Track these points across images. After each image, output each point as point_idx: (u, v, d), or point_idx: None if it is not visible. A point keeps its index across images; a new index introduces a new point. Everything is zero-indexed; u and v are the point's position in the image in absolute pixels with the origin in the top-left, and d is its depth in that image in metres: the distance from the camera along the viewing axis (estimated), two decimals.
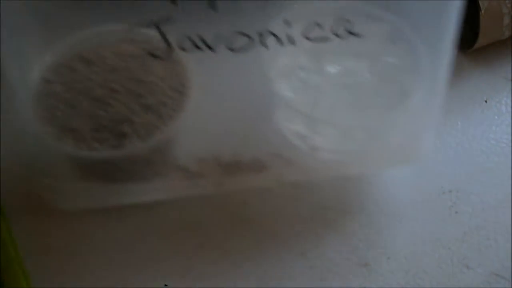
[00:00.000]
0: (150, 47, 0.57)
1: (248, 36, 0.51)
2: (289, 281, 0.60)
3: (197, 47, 0.51)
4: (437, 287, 0.58)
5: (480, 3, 0.72)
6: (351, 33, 0.52)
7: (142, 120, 0.56)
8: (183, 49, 0.51)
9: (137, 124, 0.56)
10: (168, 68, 0.59)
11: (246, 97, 0.59)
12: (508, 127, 0.70)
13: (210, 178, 0.60)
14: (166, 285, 0.60)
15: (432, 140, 0.63)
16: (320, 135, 0.59)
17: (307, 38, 0.52)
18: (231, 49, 0.51)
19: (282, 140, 0.61)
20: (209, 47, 0.51)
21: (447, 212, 0.64)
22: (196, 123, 0.58)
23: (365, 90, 0.59)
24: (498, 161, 0.67)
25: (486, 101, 0.73)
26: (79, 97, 0.57)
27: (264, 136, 0.60)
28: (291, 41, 0.52)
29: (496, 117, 0.71)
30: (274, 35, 0.51)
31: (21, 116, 0.56)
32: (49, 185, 0.58)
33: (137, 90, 0.58)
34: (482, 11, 0.71)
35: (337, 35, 0.52)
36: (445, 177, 0.66)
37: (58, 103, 0.58)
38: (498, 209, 0.63)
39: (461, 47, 0.71)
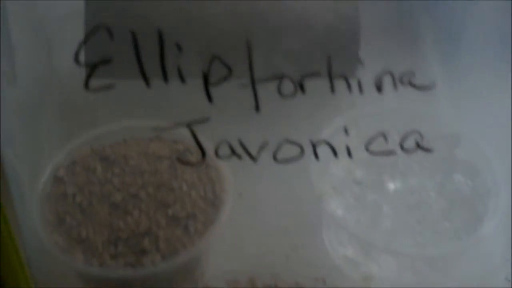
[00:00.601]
0: (181, 149, 0.49)
1: (297, 144, 0.41)
2: None
3: (236, 154, 0.42)
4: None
5: None
6: (420, 147, 0.43)
7: (167, 235, 0.49)
8: (220, 156, 0.42)
9: (160, 239, 0.48)
10: (201, 174, 0.51)
11: (290, 212, 0.52)
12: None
13: None
14: None
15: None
16: (374, 263, 0.51)
17: (368, 151, 0.43)
18: (276, 159, 0.42)
19: (328, 264, 0.53)
20: (250, 156, 0.42)
21: None
22: (229, 240, 0.51)
23: (430, 213, 0.51)
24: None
25: None
26: (94, 202, 0.50)
27: (308, 259, 0.53)
28: (348, 153, 0.42)
29: None
30: (329, 144, 0.41)
31: (26, 219, 0.48)
32: None
33: (163, 198, 0.50)
34: None
35: (404, 148, 0.43)
36: None
37: (69, 207, 0.51)
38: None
39: None
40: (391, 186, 0.51)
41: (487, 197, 0.52)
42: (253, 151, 0.44)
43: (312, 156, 0.44)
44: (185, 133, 0.45)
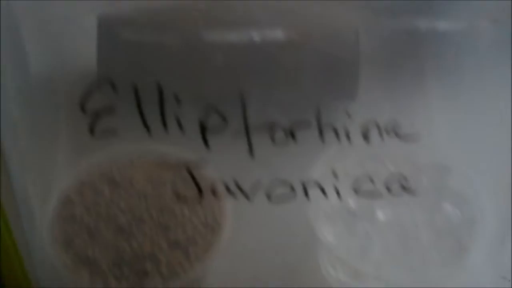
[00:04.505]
0: (185, 175, 0.51)
1: (288, 185, 0.44)
2: None
3: (232, 193, 0.44)
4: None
5: None
6: (406, 189, 0.45)
7: (168, 259, 0.50)
8: (215, 194, 0.45)
9: (161, 262, 0.50)
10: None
11: (285, 237, 0.54)
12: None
13: None
14: None
15: None
16: None
17: (356, 192, 0.45)
18: (270, 199, 0.44)
19: (323, 287, 0.55)
20: (245, 195, 0.44)
21: None
22: (228, 263, 0.53)
23: (418, 242, 0.53)
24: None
25: None
26: (101, 224, 0.53)
27: (304, 281, 0.55)
28: (337, 193, 0.45)
29: None
30: (319, 186, 0.44)
31: (37, 238, 0.51)
32: None
33: (165, 222, 0.52)
34: None
35: (390, 190, 0.45)
36: None
37: (78, 229, 0.53)
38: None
39: None
40: (381, 216, 0.53)
41: (474, 227, 0.53)
42: (248, 192, 0.46)
43: (304, 197, 0.46)
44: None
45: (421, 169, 0.52)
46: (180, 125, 0.41)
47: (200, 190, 0.45)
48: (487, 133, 0.51)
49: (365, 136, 0.44)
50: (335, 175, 0.47)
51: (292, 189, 0.46)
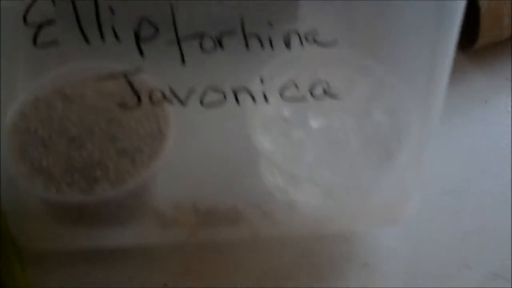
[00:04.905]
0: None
1: (220, 91, 0.48)
2: None
3: (167, 99, 0.48)
4: (437, 287, 0.57)
5: (480, 3, 0.71)
6: (328, 94, 0.49)
7: (115, 165, 0.54)
8: (152, 101, 0.49)
9: (110, 169, 0.54)
10: (147, 112, 0.56)
11: (226, 146, 0.57)
12: (508, 127, 0.70)
13: (185, 226, 0.57)
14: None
15: (420, 199, 0.59)
16: (300, 191, 0.57)
17: (282, 97, 0.49)
18: (203, 104, 0.49)
19: (262, 191, 0.59)
20: (180, 101, 0.48)
21: (447, 212, 0.62)
22: (173, 169, 0.57)
23: (348, 148, 0.57)
24: (498, 161, 0.67)
25: (486, 101, 0.73)
26: (54, 136, 0.56)
27: (244, 186, 0.59)
28: (266, 99, 0.49)
29: (496, 117, 0.71)
30: (248, 92, 0.48)
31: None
32: (19, 225, 0.55)
33: (113, 132, 0.56)
34: (483, 11, 0.71)
35: (313, 95, 0.49)
36: (445, 177, 0.65)
37: (33, 140, 0.56)
38: (498, 209, 0.63)
39: (461, 47, 0.66)
40: (314, 124, 0.57)
41: (401, 134, 0.57)
42: (183, 98, 0.50)
43: (235, 103, 0.50)
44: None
45: (351, 79, 0.55)
46: (116, 35, 0.45)
47: (138, 97, 0.49)
48: (415, 46, 0.53)
49: (287, 44, 0.47)
50: (262, 81, 0.50)
51: (224, 95, 0.49)
